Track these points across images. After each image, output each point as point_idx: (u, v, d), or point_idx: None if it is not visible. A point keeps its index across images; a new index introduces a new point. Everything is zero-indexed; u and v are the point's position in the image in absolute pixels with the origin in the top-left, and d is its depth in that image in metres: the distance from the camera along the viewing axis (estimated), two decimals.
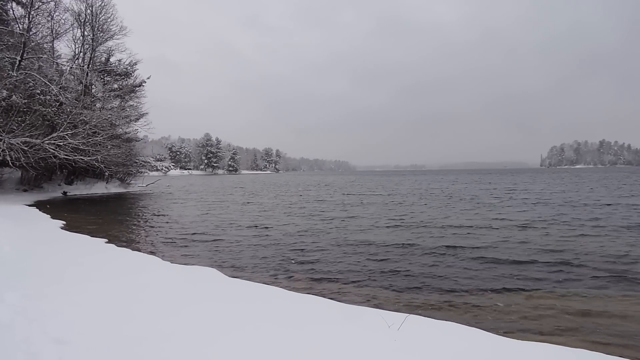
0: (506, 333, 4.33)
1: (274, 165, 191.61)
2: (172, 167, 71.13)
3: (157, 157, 65.09)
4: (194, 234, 11.25)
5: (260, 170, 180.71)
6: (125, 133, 30.41)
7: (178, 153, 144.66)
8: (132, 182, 34.21)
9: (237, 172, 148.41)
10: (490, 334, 3.91)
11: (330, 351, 3.27)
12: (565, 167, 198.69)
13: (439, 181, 47.47)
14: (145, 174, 37.81)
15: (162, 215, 16.29)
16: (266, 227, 12.29)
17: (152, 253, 8.33)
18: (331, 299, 5.18)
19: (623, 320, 4.70)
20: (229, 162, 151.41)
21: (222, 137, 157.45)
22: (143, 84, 30.20)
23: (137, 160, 32.57)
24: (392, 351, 3.29)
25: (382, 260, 7.89)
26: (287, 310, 4.28)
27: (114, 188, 30.56)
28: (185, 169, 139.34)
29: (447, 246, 8.97)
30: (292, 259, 8.04)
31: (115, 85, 28.87)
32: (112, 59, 29.18)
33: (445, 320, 4.22)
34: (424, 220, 13.15)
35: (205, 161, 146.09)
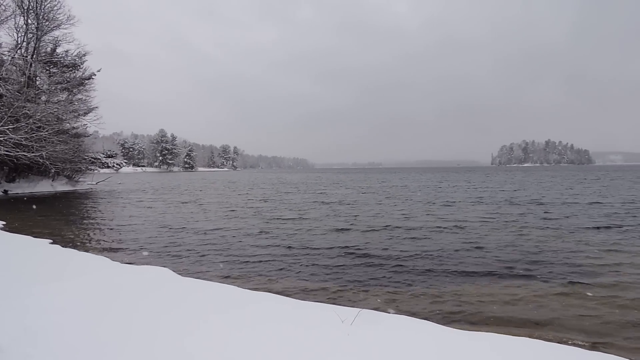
0: (453, 323, 4.60)
1: (231, 162, 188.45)
2: (124, 164, 68.19)
3: (108, 153, 62.39)
4: (145, 233, 10.95)
5: (218, 167, 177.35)
6: (73, 128, 28.93)
7: (131, 149, 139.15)
8: (80, 179, 32.51)
9: (193, 169, 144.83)
10: (438, 325, 4.13)
11: (283, 347, 3.34)
12: (514, 165, 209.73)
13: (399, 179, 48.61)
14: (95, 171, 36.08)
15: (111, 214, 15.70)
16: (220, 227, 12.14)
17: (100, 253, 8.06)
18: (287, 295, 5.24)
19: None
20: (185, 159, 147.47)
21: (178, 134, 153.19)
22: (93, 77, 28.78)
23: (86, 157, 30.96)
24: (345, 345, 3.40)
25: (334, 257, 8.03)
26: (241, 308, 4.30)
27: (60, 186, 28.94)
28: (139, 166, 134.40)
29: (398, 241, 9.32)
30: (245, 259, 8.02)
31: (62, 78, 27.33)
32: (58, 50, 27.61)
33: (397, 313, 4.41)
34: (374, 216, 13.50)
35: (160, 158, 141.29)
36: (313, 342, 3.45)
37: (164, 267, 6.49)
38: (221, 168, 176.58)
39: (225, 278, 6.67)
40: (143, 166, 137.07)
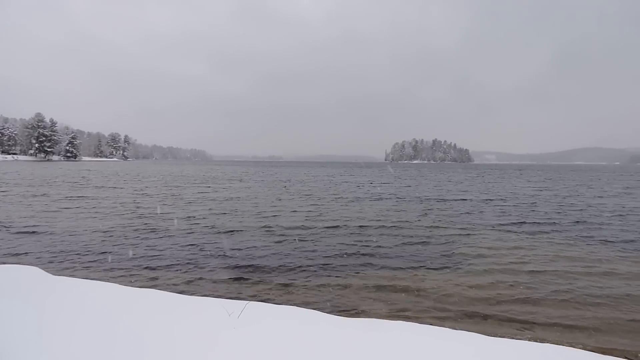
0: (342, 312, 4.87)
1: (122, 152, 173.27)
2: None
3: None
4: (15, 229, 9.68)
5: (106, 157, 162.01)
6: None
7: (0, 135, 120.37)
8: None
9: (76, 159, 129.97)
10: (325, 313, 4.30)
11: (167, 342, 3.22)
12: (406, 162, 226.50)
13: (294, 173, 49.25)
14: None
15: None
16: (101, 225, 11.20)
17: None
18: (173, 291, 5.05)
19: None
20: (67, 147, 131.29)
21: (60, 120, 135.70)
22: None
23: None
24: (230, 338, 3.39)
25: (222, 253, 7.90)
26: (123, 305, 4.03)
27: None
28: (10, 154, 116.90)
29: (283, 234, 9.53)
30: (129, 255, 7.55)
31: None
32: None
33: (285, 304, 4.52)
34: (272, 212, 13.63)
35: (37, 145, 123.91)
36: (197, 338, 3.38)
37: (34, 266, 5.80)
38: (110, 158, 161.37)
39: (107, 276, 6.20)
40: (15, 154, 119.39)
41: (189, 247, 8.26)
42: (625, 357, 3.72)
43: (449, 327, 4.09)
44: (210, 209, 14.30)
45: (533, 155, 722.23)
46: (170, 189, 23.06)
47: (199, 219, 11.86)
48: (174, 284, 5.86)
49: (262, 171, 58.18)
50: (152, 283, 5.89)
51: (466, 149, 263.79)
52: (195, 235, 9.40)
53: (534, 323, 4.70)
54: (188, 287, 5.74)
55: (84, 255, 7.59)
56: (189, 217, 12.23)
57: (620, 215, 13.66)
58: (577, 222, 11.99)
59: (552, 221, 12.04)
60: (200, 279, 6.18)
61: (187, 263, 7.03)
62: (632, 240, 9.29)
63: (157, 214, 12.80)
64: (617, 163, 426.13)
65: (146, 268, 6.74)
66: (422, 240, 9.10)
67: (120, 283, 5.14)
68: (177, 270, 6.63)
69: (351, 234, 9.84)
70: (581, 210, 14.89)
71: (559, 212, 14.17)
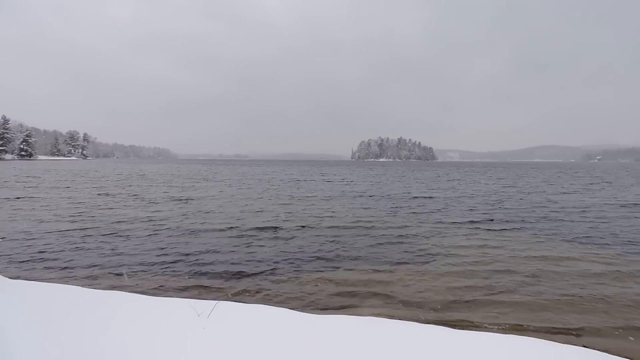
0: (313, 310, 4.80)
1: (81, 150, 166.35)
2: None
3: None
4: None
5: (64, 156, 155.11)
6: None
7: None
8: None
9: (31, 158, 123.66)
10: (296, 311, 4.25)
11: (133, 345, 3.06)
12: (372, 160, 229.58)
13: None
14: None
15: None
16: (61, 226, 10.68)
17: None
18: (140, 293, 4.85)
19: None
20: (21, 146, 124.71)
21: (13, 116, 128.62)
22: None
23: None
24: (200, 339, 3.26)
25: (193, 252, 7.75)
26: (86, 308, 3.82)
27: None
28: None
29: (253, 234, 9.44)
30: (93, 257, 7.26)
31: None
32: None
33: (256, 303, 4.41)
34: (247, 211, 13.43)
35: None
36: (165, 339, 3.23)
37: None
38: (68, 157, 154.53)
39: (68, 279, 5.91)
40: None
41: (154, 248, 8.00)
42: (627, 357, 3.66)
43: (419, 322, 4.13)
44: (174, 209, 13.91)
45: (494, 153, 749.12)
46: (132, 189, 22.30)
47: (164, 219, 11.50)
48: (139, 286, 5.65)
49: (229, 170, 57.30)
50: (116, 284, 5.64)
51: (430, 147, 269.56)
52: (160, 237, 9.11)
53: (506, 318, 4.80)
54: (154, 289, 5.55)
55: (42, 258, 7.23)
56: (153, 218, 11.83)
57: (584, 211, 14.20)
58: (543, 218, 12.42)
59: (519, 218, 12.41)
60: (168, 280, 6.00)
61: (153, 265, 6.81)
62: (591, 236, 9.64)
63: (119, 214, 12.32)
64: (573, 160, 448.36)
65: (109, 270, 6.47)
66: (392, 239, 9.20)
67: (82, 286, 4.88)
68: (142, 272, 6.41)
69: (322, 233, 9.83)
70: (545, 207, 15.42)
71: (524, 209, 14.65)
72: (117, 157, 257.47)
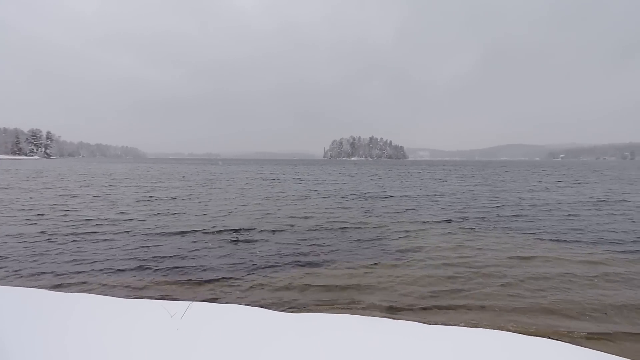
0: (288, 309, 4.76)
1: (44, 149, 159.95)
2: None
3: None
4: None
5: (26, 155, 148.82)
6: None
7: None
8: None
9: None
10: (271, 311, 4.20)
11: (102, 348, 2.94)
12: (344, 159, 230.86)
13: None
14: None
15: None
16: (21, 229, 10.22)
17: None
18: (111, 295, 4.68)
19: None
20: None
21: None
22: None
23: None
24: (173, 340, 3.17)
25: (165, 253, 7.61)
26: (54, 311, 3.65)
27: None
28: None
29: (227, 235, 9.31)
30: (58, 260, 6.99)
31: None
32: None
33: (230, 303, 4.34)
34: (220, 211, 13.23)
35: None
36: (138, 342, 3.12)
37: None
38: (30, 156, 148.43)
39: (34, 283, 5.66)
40: None
41: (124, 250, 7.77)
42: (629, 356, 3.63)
43: (392, 319, 4.17)
44: (144, 210, 13.55)
45: (463, 151, 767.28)
46: (99, 189, 21.57)
47: (133, 221, 11.17)
48: (110, 289, 5.48)
49: (201, 169, 56.30)
50: (85, 288, 5.44)
51: (401, 146, 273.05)
52: (130, 239, 8.85)
53: (482, 317, 4.87)
54: (125, 291, 5.39)
55: (6, 262, 6.85)
56: (122, 219, 11.48)
57: (556, 209, 14.64)
58: (515, 216, 12.71)
59: (493, 216, 12.69)
60: (139, 281, 5.85)
61: (124, 266, 6.61)
62: (563, 233, 9.93)
63: (85, 216, 11.88)
64: (537, 158, 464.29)
65: (77, 274, 6.21)
66: (368, 238, 9.23)
67: (49, 289, 4.67)
68: (113, 273, 6.22)
69: (297, 233, 9.80)
70: (517, 205, 15.81)
71: (498, 207, 15.00)
72: (82, 156, 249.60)
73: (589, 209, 14.38)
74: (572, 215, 12.99)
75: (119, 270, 6.38)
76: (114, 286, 5.62)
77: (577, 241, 8.99)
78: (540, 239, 9.16)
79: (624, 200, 17.54)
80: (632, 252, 8.04)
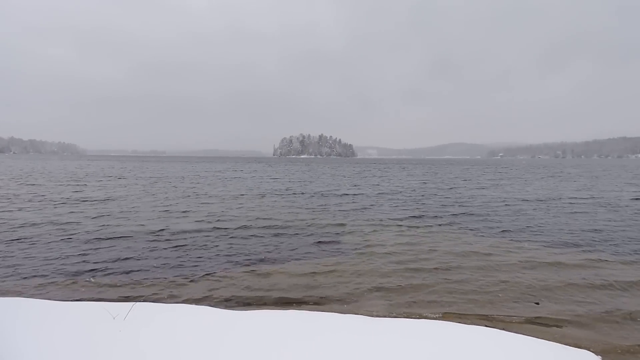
0: (235, 306, 4.71)
1: None
2: None
3: None
4: None
5: None
6: None
7: None
8: None
9: None
10: (217, 308, 4.16)
11: (41, 352, 2.77)
12: (294, 156, 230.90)
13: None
14: None
15: None
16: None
17: None
18: (46, 298, 4.41)
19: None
20: None
21: None
22: None
23: None
24: (115, 342, 3.05)
25: (99, 253, 7.38)
26: None
27: None
28: None
29: (175, 236, 9.10)
30: None
31: None
32: None
33: (176, 302, 4.23)
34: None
35: None
36: (77, 346, 2.97)
37: None
38: None
39: None
40: None
41: (63, 253, 7.32)
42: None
43: (340, 313, 4.24)
44: (86, 211, 12.78)
45: (409, 150, 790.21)
46: (35, 189, 20.08)
47: (73, 223, 10.52)
48: (46, 293, 5.12)
49: (147, 167, 53.85)
50: (18, 291, 5.06)
51: (350, 144, 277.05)
52: (73, 241, 8.36)
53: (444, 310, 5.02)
54: (63, 294, 5.05)
55: None
56: (60, 221, 10.79)
57: (503, 205, 15.43)
58: (464, 213, 13.16)
59: (445, 213, 13.14)
60: (79, 285, 5.52)
61: (62, 270, 6.22)
62: (511, 230, 10.33)
63: (19, 218, 11.03)
64: (479, 157, 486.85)
65: (10, 276, 5.75)
66: (324, 236, 9.24)
67: None
68: (49, 277, 5.84)
69: (251, 232, 9.69)
70: (467, 202, 16.49)
71: (449, 204, 15.56)
72: (13, 153, 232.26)
73: (534, 206, 15.13)
74: (518, 212, 13.60)
75: (57, 273, 6.02)
76: (51, 290, 5.29)
77: (525, 237, 9.54)
78: (491, 237, 9.43)
79: (560, 197, 18.51)
80: (560, 244, 8.66)
